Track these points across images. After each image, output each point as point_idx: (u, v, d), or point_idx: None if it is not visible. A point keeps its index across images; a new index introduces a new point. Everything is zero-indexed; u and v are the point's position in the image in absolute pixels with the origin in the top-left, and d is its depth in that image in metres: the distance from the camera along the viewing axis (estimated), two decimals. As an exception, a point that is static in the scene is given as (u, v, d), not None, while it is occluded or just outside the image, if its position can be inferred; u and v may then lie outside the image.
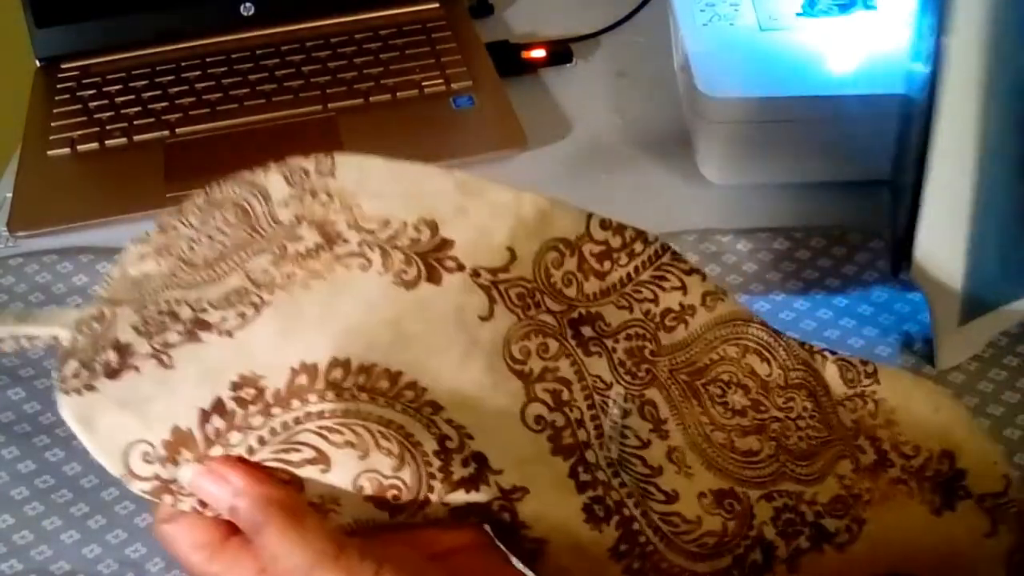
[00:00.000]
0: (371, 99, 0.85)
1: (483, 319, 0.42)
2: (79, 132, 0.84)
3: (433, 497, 0.40)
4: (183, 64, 0.89)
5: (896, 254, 0.61)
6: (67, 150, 0.83)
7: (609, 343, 0.44)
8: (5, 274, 0.73)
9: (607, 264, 0.44)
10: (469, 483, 0.40)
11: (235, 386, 0.40)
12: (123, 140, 0.83)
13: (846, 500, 0.44)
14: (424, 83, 0.86)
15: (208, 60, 0.90)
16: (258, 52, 0.90)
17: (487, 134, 0.83)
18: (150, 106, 0.86)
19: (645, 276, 0.45)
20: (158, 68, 0.89)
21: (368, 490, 0.40)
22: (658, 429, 0.43)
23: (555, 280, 0.43)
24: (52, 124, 0.85)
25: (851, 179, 0.75)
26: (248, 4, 0.92)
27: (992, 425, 0.61)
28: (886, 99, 0.72)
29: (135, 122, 0.84)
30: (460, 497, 0.40)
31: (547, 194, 0.44)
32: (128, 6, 0.91)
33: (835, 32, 0.76)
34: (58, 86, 0.89)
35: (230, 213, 0.42)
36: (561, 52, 0.90)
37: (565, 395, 0.42)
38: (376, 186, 0.42)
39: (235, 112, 0.85)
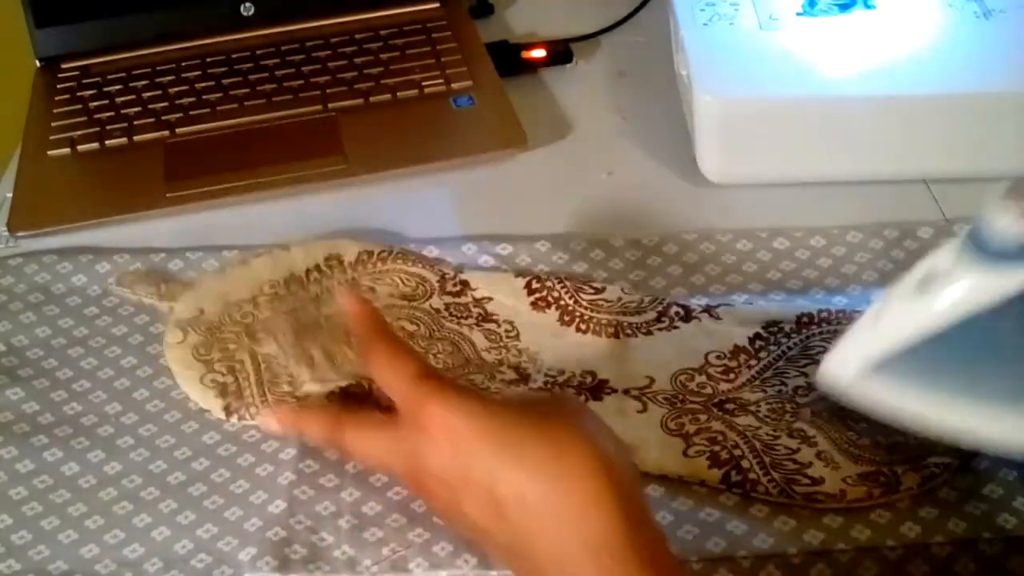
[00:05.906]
0: (371, 99, 0.85)
1: (639, 412, 0.62)
2: (79, 132, 0.84)
3: None
4: (183, 64, 0.89)
5: None
6: (67, 150, 0.83)
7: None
8: (5, 274, 0.73)
9: (731, 375, 0.64)
10: None
11: None
12: (123, 140, 0.83)
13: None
14: (424, 83, 0.86)
15: (208, 60, 0.90)
16: (258, 52, 0.90)
17: (487, 134, 0.83)
18: (150, 106, 0.86)
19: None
20: (158, 68, 0.89)
21: None
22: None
23: (692, 387, 0.63)
24: (52, 124, 0.85)
25: (851, 179, 0.75)
26: (248, 4, 0.92)
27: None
28: (886, 99, 0.72)
29: (135, 122, 0.84)
30: None
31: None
32: (128, 6, 0.91)
33: (835, 32, 0.75)
34: (58, 86, 0.89)
35: (448, 346, 0.66)
36: (561, 52, 0.90)
37: (720, 438, 0.60)
38: (551, 345, 0.66)
39: (235, 112, 0.85)
